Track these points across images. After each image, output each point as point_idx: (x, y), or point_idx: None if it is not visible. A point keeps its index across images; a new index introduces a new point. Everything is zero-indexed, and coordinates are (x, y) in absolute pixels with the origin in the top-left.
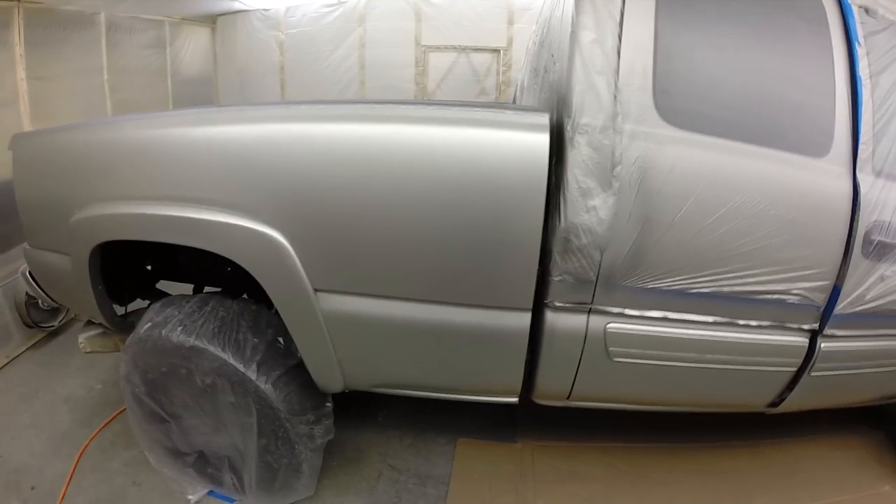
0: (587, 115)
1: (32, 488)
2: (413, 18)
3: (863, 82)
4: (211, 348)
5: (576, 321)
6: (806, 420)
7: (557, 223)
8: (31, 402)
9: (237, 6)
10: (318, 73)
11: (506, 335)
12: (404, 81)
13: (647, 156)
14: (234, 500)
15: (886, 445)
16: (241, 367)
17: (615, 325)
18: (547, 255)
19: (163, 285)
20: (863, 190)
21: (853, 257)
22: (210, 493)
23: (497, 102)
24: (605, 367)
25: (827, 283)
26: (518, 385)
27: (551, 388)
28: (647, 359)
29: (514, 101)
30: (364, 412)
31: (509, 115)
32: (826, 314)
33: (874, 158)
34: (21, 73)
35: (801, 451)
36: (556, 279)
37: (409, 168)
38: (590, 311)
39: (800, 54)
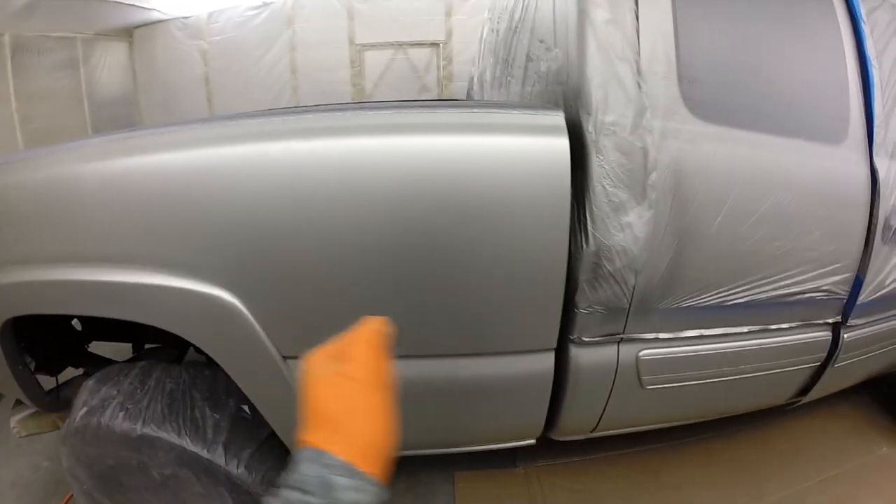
0: (613, 112)
1: None
2: (345, 17)
3: (872, 62)
4: (164, 435)
5: (605, 353)
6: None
7: (584, 246)
8: None
9: (155, 16)
10: (248, 81)
11: (527, 380)
12: (340, 84)
13: (681, 157)
14: None
15: (874, 407)
16: (204, 454)
17: (648, 352)
18: (572, 285)
19: (96, 346)
20: (881, 175)
21: (874, 245)
22: None
23: (489, 101)
24: (636, 395)
25: (850, 274)
26: (540, 427)
27: (577, 425)
28: (682, 381)
29: (469, 96)
30: None
31: (515, 116)
32: (849, 306)
33: (886, 141)
34: None
35: (803, 427)
36: (585, 312)
37: (393, 193)
38: (620, 342)
39: (813, 34)
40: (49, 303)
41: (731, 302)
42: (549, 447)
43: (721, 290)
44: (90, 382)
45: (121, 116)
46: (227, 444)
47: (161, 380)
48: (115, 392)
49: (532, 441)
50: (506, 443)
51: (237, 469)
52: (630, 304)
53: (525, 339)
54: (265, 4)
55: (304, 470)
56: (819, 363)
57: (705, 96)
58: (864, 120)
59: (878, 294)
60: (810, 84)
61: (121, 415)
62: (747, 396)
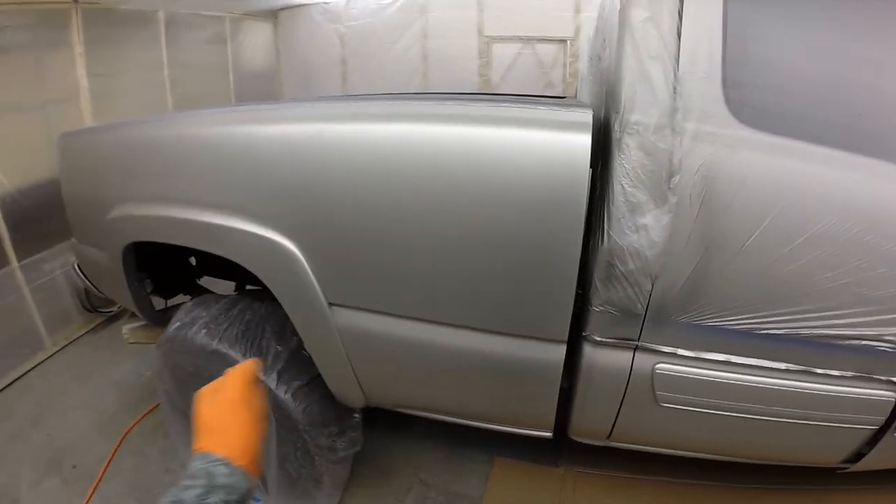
0: (638, 112)
1: (74, 467)
2: (475, 8)
3: None
4: (232, 353)
5: (619, 358)
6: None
7: (600, 243)
8: (83, 384)
9: (298, 0)
10: (380, 65)
11: (537, 368)
12: (468, 74)
13: (714, 163)
14: (260, 500)
15: None
16: (260, 376)
17: (665, 367)
18: (587, 280)
19: (206, 281)
20: None
21: None
22: None
23: (528, 96)
24: (651, 411)
25: None
26: (550, 421)
27: (589, 427)
28: (702, 407)
29: (576, 95)
30: (399, 420)
31: (545, 112)
32: None
33: None
34: (81, 71)
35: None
36: (598, 310)
37: (427, 174)
38: (636, 349)
39: (884, 38)
40: (160, 234)
41: (766, 331)
42: (595, 458)
43: (754, 314)
44: (188, 304)
45: (263, 89)
46: (281, 373)
47: (243, 311)
48: (204, 314)
49: (547, 434)
50: (517, 428)
51: (285, 394)
52: (645, 311)
53: (537, 325)
54: None
55: (193, 466)
56: (877, 427)
57: (754, 100)
58: None
59: None
60: (885, 94)
61: (203, 332)
62: (783, 445)
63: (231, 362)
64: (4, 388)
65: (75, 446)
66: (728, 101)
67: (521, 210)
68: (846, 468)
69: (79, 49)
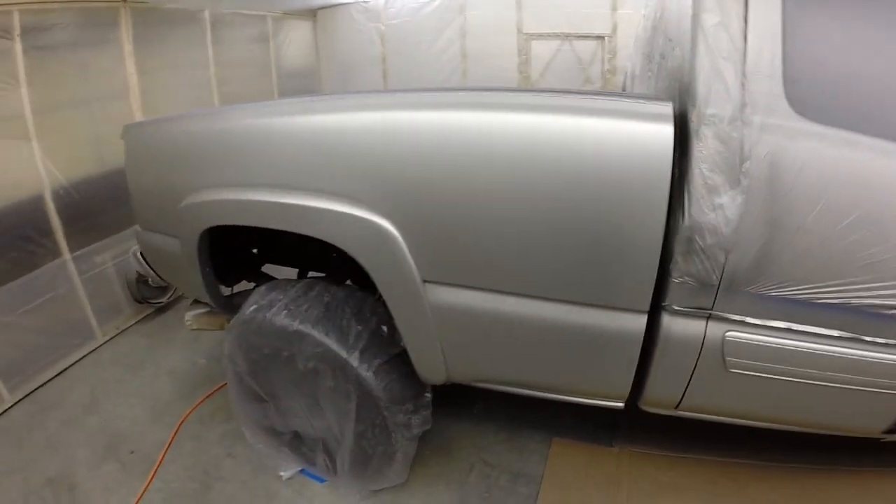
0: (714, 105)
1: (131, 452)
2: (514, 6)
3: None
4: (314, 333)
5: (694, 327)
6: None
7: (681, 221)
8: (137, 373)
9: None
10: (420, 63)
11: (619, 338)
12: (507, 71)
13: (778, 151)
14: (325, 481)
15: None
16: (343, 354)
17: (735, 334)
18: (668, 255)
19: (267, 269)
20: None
21: None
22: (302, 471)
23: (611, 91)
24: (720, 377)
25: None
26: (627, 390)
27: (661, 396)
28: (764, 372)
29: (623, 90)
30: (461, 402)
31: (631, 104)
32: None
33: None
34: (131, 69)
35: None
36: (677, 281)
37: (523, 158)
38: (709, 318)
39: None
40: (245, 216)
41: (821, 300)
42: (648, 435)
43: (810, 285)
44: (262, 287)
45: (304, 87)
46: (363, 351)
47: (321, 293)
48: (282, 296)
49: (620, 405)
50: (593, 399)
51: (366, 372)
52: (719, 282)
53: (623, 296)
54: None
55: None
56: None
57: (810, 96)
58: None
59: None
60: None
61: (283, 313)
62: (835, 411)
63: (312, 342)
64: (55, 376)
65: (131, 432)
66: (788, 96)
67: (611, 192)
68: (889, 437)
69: (128, 47)
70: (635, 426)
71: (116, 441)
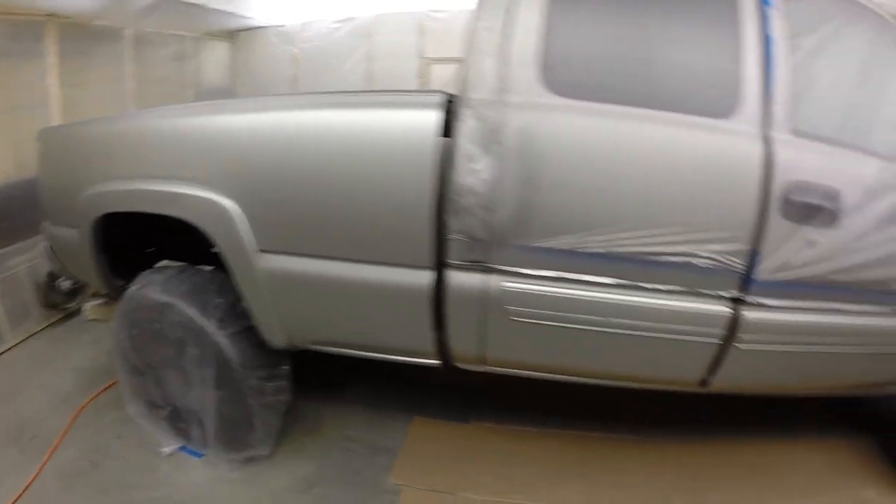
0: (473, 91)
1: (32, 438)
2: (417, 33)
3: (776, 43)
4: (180, 304)
5: (475, 280)
6: (786, 422)
7: (449, 186)
8: (43, 369)
9: (254, 23)
10: (329, 85)
11: (410, 292)
12: None
13: (532, 123)
14: (202, 455)
15: (877, 452)
16: (202, 321)
17: (511, 284)
18: (443, 217)
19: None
20: (778, 149)
21: (771, 219)
22: (182, 448)
23: (409, 89)
24: (506, 327)
25: (741, 247)
26: (430, 345)
27: (465, 351)
28: (544, 319)
29: None
30: (332, 388)
31: (408, 98)
32: (747, 281)
33: (795, 118)
34: (52, 80)
35: (772, 451)
36: (453, 238)
37: (324, 144)
38: (487, 270)
39: (695, 22)
40: (124, 203)
41: (587, 250)
42: (502, 412)
43: (571, 235)
44: (148, 271)
45: None
46: (221, 319)
47: (192, 275)
48: (160, 277)
49: (436, 363)
50: (410, 356)
51: (222, 338)
52: (491, 237)
53: (406, 254)
54: (349, 18)
55: None
56: (718, 340)
57: (563, 77)
58: (762, 97)
59: (784, 274)
60: (683, 64)
61: (157, 289)
62: (639, 361)
63: (178, 313)
64: None
65: (35, 421)
66: (545, 80)
67: (389, 167)
68: (705, 389)
69: (52, 59)
70: (493, 406)
71: (18, 430)
